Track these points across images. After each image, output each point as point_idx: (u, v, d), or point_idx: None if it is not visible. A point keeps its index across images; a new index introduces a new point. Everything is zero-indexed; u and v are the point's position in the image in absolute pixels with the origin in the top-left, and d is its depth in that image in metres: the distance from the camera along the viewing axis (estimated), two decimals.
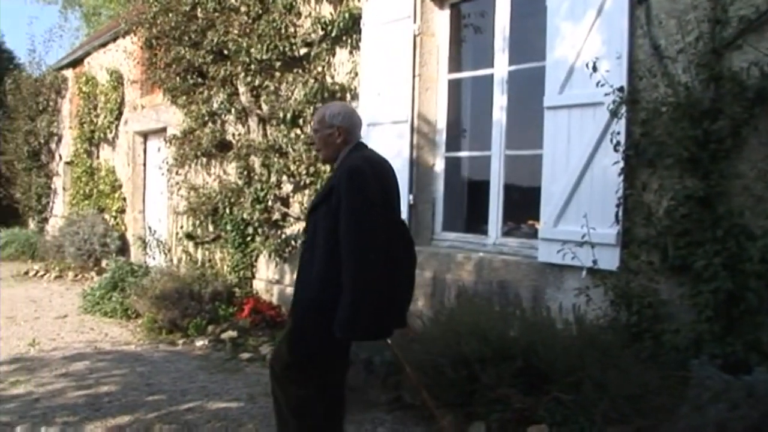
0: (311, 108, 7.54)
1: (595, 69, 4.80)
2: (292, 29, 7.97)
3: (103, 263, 12.38)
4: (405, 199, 6.46)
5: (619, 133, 4.78)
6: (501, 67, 6.14)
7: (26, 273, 13.19)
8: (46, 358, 6.92)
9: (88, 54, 15.13)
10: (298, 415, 3.49)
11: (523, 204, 6.06)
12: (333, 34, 7.36)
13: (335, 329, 3.21)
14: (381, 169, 3.53)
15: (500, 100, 6.12)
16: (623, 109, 4.78)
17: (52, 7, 37.50)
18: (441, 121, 6.70)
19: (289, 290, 8.09)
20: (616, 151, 4.78)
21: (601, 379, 4.00)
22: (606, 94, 4.80)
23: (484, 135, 6.31)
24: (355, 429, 4.77)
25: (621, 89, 4.78)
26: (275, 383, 3.58)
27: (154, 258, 10.83)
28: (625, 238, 4.83)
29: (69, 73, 16.59)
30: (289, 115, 7.75)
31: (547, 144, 5.42)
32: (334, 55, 7.55)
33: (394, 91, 6.67)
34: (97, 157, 14.35)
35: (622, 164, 4.79)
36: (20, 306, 9.74)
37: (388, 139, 6.68)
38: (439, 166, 6.69)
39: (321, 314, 3.28)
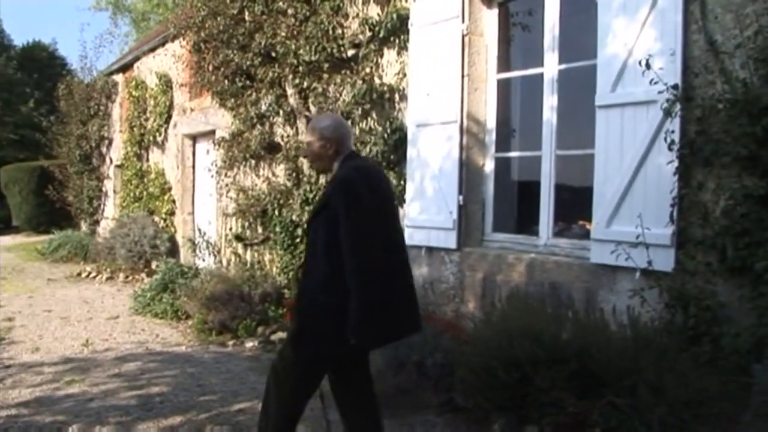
0: (359, 109, 7.54)
1: (648, 66, 4.69)
2: (339, 31, 7.98)
3: (153, 265, 12.54)
4: (455, 200, 6.44)
5: (673, 132, 4.68)
6: (551, 66, 6.05)
7: (79, 274, 13.41)
8: (99, 358, 7.03)
9: (137, 59, 15.35)
10: (281, 410, 3.67)
11: (575, 204, 5.98)
12: (380, 35, 7.33)
13: (349, 335, 3.36)
14: (373, 176, 3.71)
15: (550, 100, 6.03)
16: (678, 107, 4.66)
17: (103, 13, 38.30)
18: (490, 122, 6.63)
19: None
20: (670, 149, 4.68)
21: (658, 383, 3.90)
22: (660, 92, 4.70)
23: (534, 135, 6.22)
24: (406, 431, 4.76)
25: (675, 87, 4.66)
26: (273, 378, 3.71)
27: (203, 260, 10.93)
28: (681, 238, 4.72)
29: (119, 77, 16.84)
30: None
31: (599, 143, 5.33)
32: (381, 56, 7.53)
33: (442, 92, 6.62)
34: (147, 160, 14.55)
35: (676, 163, 4.68)
36: (74, 307, 9.91)
37: (437, 140, 6.65)
38: (489, 166, 6.62)
39: (321, 317, 3.49)
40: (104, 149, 17.50)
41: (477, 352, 4.68)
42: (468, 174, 6.55)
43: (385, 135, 7.15)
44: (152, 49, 14.41)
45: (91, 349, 7.42)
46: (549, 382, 4.20)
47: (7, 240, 21.80)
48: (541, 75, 6.14)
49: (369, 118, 7.58)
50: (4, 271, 14.45)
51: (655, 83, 4.68)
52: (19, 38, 65.52)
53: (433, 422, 4.91)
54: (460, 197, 6.47)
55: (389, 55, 7.43)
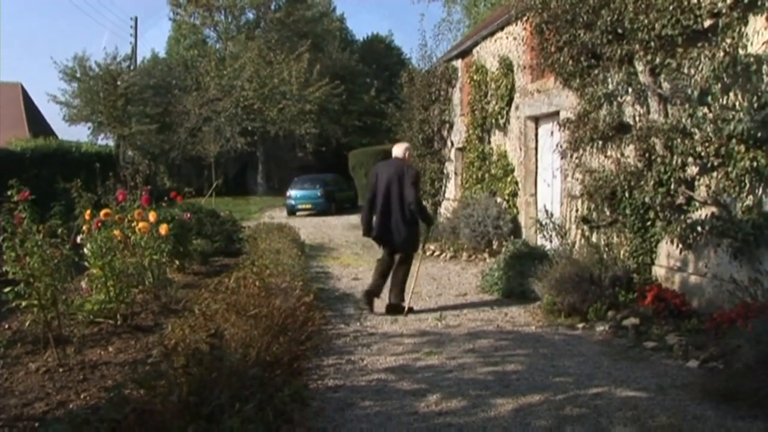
0: (719, 84, 7.01)
1: None
2: (694, 0, 7.48)
3: (494, 245, 12.84)
4: None
5: None
6: None
7: (423, 252, 14.07)
8: (452, 333, 7.37)
9: (476, 44, 15.77)
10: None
11: None
12: (745, 0, 6.75)
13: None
14: (380, 168, 8.61)
15: None
16: None
17: (435, 3, 40.29)
18: None
19: (693, 279, 7.65)
20: None
21: None
22: None
23: None
24: None
25: None
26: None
27: (550, 241, 10.91)
28: None
29: (458, 63, 17.46)
30: (695, 93, 7.29)
31: None
32: (746, 23, 6.89)
33: None
34: (489, 143, 14.88)
35: None
36: (423, 282, 10.46)
37: None
38: None
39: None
40: (445, 132, 18.27)
41: None
42: None
43: (752, 111, 6.54)
44: (491, 34, 14.72)
45: (444, 324, 7.80)
46: None
47: (355, 219, 23.63)
48: None
49: (731, 93, 7.01)
50: (355, 247, 15.81)
51: None
52: (359, 32, 71.71)
53: None
54: None
55: (756, 21, 6.80)
